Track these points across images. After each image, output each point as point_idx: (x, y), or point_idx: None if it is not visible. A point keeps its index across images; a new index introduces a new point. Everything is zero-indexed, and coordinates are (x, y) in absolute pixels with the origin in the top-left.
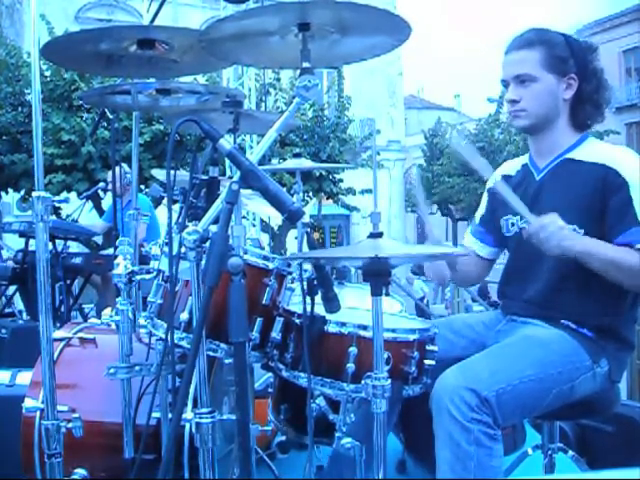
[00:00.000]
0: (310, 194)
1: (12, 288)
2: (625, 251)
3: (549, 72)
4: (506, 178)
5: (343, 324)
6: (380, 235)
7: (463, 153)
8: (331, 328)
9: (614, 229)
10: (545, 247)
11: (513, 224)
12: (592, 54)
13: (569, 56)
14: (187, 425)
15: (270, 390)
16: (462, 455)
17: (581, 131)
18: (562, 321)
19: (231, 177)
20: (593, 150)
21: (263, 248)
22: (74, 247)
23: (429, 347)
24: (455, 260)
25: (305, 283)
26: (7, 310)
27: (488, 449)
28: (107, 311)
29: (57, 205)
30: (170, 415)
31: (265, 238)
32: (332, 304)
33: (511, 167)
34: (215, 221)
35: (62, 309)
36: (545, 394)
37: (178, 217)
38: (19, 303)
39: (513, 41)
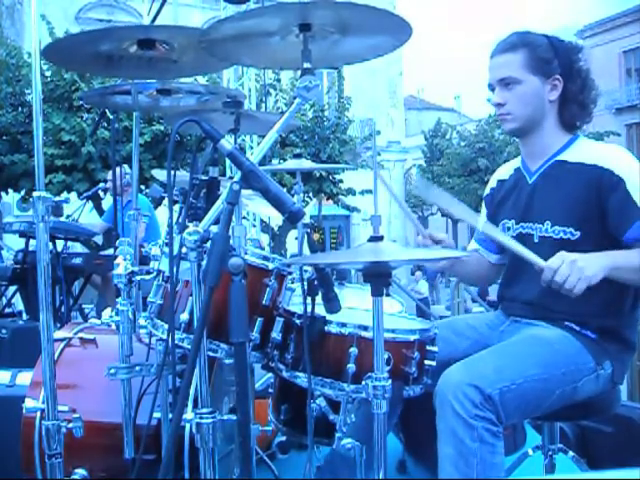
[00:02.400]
0: (310, 195)
1: (12, 288)
2: (636, 252)
3: (533, 74)
4: (501, 183)
5: (343, 324)
6: (381, 238)
7: (441, 202)
8: (331, 328)
9: (620, 227)
10: (568, 287)
11: (509, 228)
12: (577, 54)
13: (553, 57)
14: (187, 425)
15: (270, 390)
16: (465, 451)
17: (570, 132)
18: (565, 323)
19: (231, 177)
20: (584, 150)
21: (263, 248)
22: (78, 247)
23: (429, 347)
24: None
25: (305, 283)
26: (7, 310)
27: (491, 446)
28: (107, 311)
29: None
30: (170, 415)
31: (265, 238)
32: (332, 304)
33: (505, 171)
34: (216, 221)
35: (62, 309)
36: (548, 395)
37: (178, 217)
38: (19, 303)
39: (497, 45)
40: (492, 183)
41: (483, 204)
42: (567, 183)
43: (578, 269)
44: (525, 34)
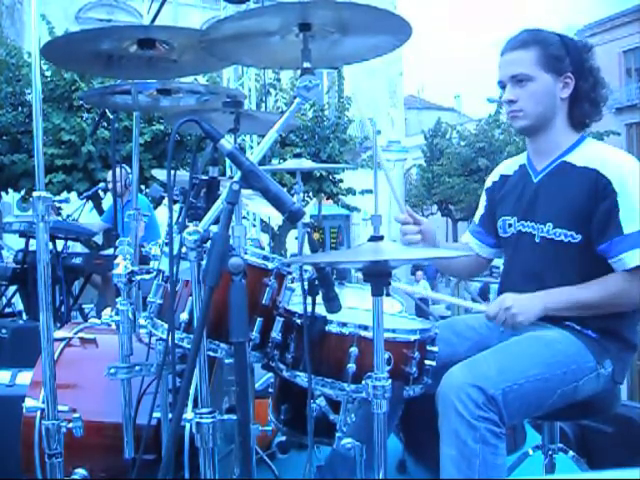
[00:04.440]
0: (310, 194)
1: (12, 288)
2: (595, 285)
3: (545, 71)
4: (504, 178)
5: (344, 324)
6: (381, 238)
7: None
8: (332, 328)
9: (599, 236)
10: (513, 324)
11: (510, 225)
12: (587, 53)
13: (565, 55)
14: (187, 425)
15: (270, 390)
16: (468, 453)
17: (580, 130)
18: (566, 322)
19: (231, 177)
20: (589, 153)
21: (263, 248)
22: (78, 247)
23: (430, 347)
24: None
25: (306, 283)
26: (7, 310)
27: (493, 447)
28: (107, 311)
29: (58, 205)
30: (170, 415)
31: (265, 238)
32: (333, 304)
33: (509, 166)
34: (216, 221)
35: (62, 309)
36: (550, 394)
37: (178, 217)
38: (19, 303)
39: (508, 42)
40: (494, 177)
41: (483, 195)
42: (571, 186)
43: (511, 315)
44: (537, 32)
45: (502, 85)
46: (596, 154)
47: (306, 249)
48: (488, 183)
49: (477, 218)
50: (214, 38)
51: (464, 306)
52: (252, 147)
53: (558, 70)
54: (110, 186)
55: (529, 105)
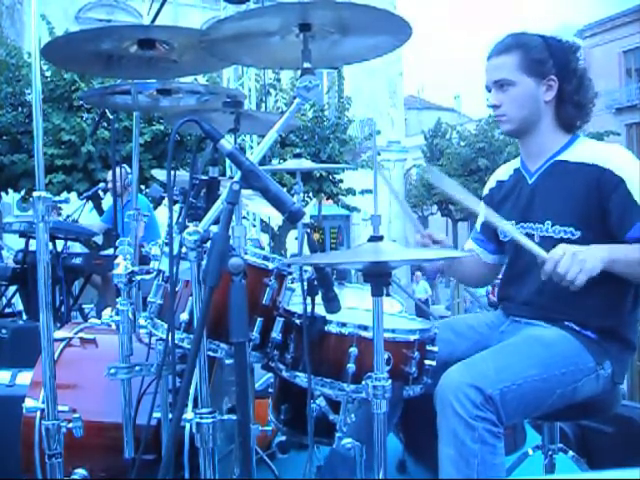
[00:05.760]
0: (310, 194)
1: (12, 288)
2: (635, 247)
3: (527, 75)
4: (500, 183)
5: (343, 324)
6: (381, 238)
7: (446, 188)
8: (331, 328)
9: (622, 226)
10: (569, 279)
11: None
12: (573, 54)
13: (547, 57)
14: (187, 425)
15: (270, 390)
16: (466, 453)
17: (570, 132)
18: (565, 323)
19: (231, 177)
20: (584, 150)
21: (263, 248)
22: (78, 247)
23: (429, 347)
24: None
25: (305, 283)
26: (7, 310)
27: (492, 447)
28: (107, 311)
29: (58, 206)
30: (170, 415)
31: (265, 238)
32: (332, 304)
33: (504, 172)
34: (216, 221)
35: (62, 309)
36: (548, 394)
37: (178, 217)
38: (19, 303)
39: (493, 47)
40: (491, 183)
41: (482, 203)
42: (567, 183)
43: (579, 261)
44: (520, 35)
45: (489, 90)
46: (592, 150)
47: (306, 249)
48: (485, 190)
49: (478, 225)
50: (214, 38)
51: (527, 246)
52: (252, 147)
53: (541, 73)
54: (110, 186)
55: (512, 110)
